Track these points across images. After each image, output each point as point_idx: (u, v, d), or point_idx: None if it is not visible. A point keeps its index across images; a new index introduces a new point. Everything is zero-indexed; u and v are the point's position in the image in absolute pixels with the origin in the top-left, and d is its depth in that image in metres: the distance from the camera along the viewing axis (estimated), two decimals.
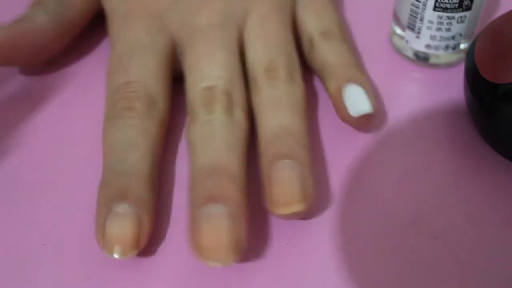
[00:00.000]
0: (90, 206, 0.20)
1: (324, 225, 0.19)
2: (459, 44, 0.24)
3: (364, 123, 0.21)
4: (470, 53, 0.21)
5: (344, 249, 0.19)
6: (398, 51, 0.26)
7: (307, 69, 0.26)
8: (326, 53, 0.23)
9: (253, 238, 0.19)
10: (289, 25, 0.23)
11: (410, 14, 0.24)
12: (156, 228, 0.20)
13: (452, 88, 0.24)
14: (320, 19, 0.24)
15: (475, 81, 0.20)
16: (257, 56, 0.22)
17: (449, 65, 0.25)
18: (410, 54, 0.25)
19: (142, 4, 0.23)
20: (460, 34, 0.24)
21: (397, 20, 0.25)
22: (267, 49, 0.22)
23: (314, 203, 0.20)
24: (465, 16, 0.23)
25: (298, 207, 0.18)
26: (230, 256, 0.17)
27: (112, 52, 0.22)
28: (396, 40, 0.26)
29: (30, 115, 0.24)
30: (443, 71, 0.25)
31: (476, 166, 0.21)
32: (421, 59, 0.25)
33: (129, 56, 0.22)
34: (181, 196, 0.21)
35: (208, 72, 0.21)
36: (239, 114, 0.20)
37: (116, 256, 0.17)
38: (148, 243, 0.19)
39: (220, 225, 0.17)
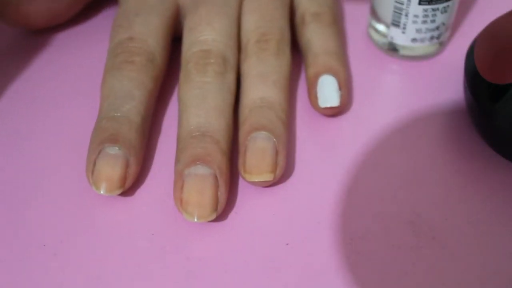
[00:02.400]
0: (91, 207, 0.20)
1: (324, 225, 0.19)
2: (442, 34, 0.24)
3: (331, 113, 0.22)
4: (470, 54, 0.21)
5: (344, 249, 0.19)
6: (377, 45, 0.25)
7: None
8: (313, 34, 0.24)
9: (254, 239, 0.19)
10: (286, 3, 0.25)
11: (394, 11, 0.23)
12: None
13: (451, 88, 0.24)
14: (316, 0, 0.25)
15: (475, 81, 0.20)
16: (251, 27, 0.23)
17: (428, 56, 0.25)
18: (386, 47, 0.25)
19: None
20: (443, 24, 0.24)
21: (373, 14, 0.25)
22: (261, 22, 0.23)
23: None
24: (448, 6, 0.23)
25: (267, 177, 0.19)
26: (209, 213, 0.19)
27: (120, 9, 0.24)
28: (373, 34, 0.25)
29: (30, 115, 0.24)
30: (440, 69, 0.25)
31: (476, 166, 0.21)
32: (395, 50, 0.25)
33: (135, 13, 0.23)
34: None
35: (206, 36, 0.22)
36: (230, 79, 0.22)
37: (102, 192, 0.19)
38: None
39: (204, 184, 0.19)
